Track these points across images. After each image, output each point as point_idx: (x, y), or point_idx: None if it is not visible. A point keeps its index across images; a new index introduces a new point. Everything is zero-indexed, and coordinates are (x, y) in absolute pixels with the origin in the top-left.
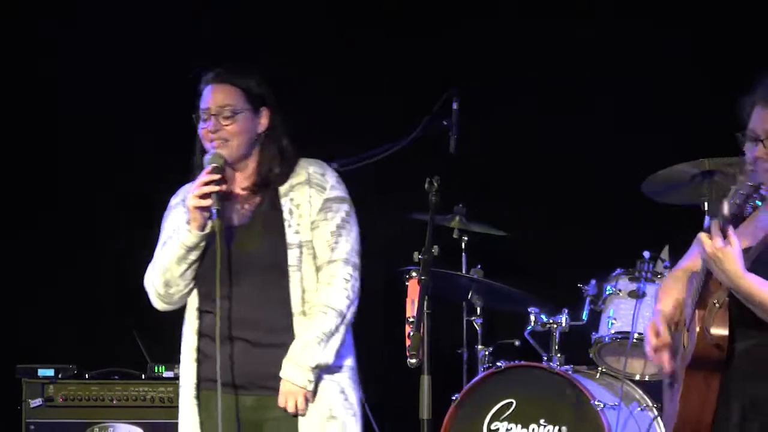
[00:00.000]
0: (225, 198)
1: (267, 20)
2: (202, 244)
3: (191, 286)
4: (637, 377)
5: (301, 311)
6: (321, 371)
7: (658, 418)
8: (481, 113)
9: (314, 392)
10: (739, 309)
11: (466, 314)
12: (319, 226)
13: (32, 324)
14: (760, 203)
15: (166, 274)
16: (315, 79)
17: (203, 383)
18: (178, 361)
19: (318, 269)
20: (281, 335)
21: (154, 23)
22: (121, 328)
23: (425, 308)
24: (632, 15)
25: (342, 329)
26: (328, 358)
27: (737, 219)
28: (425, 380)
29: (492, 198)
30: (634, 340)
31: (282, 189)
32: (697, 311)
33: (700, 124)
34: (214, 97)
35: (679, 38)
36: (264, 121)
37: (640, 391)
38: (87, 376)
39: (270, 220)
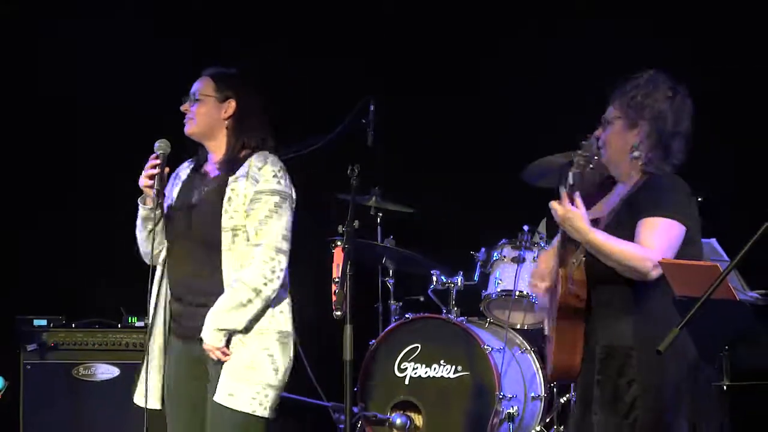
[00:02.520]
0: (199, 174)
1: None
2: (152, 214)
3: (162, 245)
4: (518, 326)
5: (229, 282)
6: (248, 331)
7: (535, 359)
8: (393, 113)
9: (234, 346)
10: (593, 266)
11: (380, 275)
12: (249, 215)
13: (29, 282)
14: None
15: (137, 236)
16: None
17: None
18: (147, 312)
19: None
20: (212, 299)
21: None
22: (102, 286)
23: (348, 271)
24: None
25: (257, 302)
26: (237, 324)
27: (582, 185)
28: (348, 329)
29: (402, 182)
30: (516, 297)
31: (230, 178)
32: (559, 270)
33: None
34: (195, 84)
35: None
36: (229, 110)
37: (521, 338)
38: (74, 325)
39: (212, 204)
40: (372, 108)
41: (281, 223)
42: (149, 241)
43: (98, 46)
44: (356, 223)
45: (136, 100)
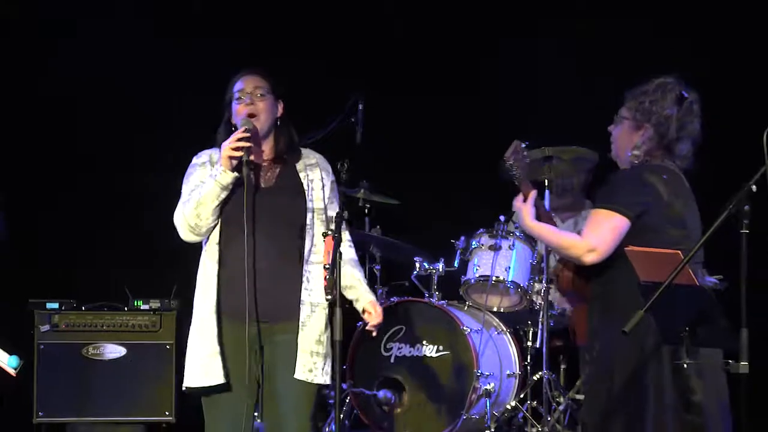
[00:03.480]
0: (252, 164)
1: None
2: (231, 186)
3: (216, 222)
4: (495, 309)
5: (308, 260)
6: (315, 306)
7: (511, 339)
8: (380, 113)
9: (307, 320)
10: None
11: (368, 262)
12: (333, 202)
13: (42, 268)
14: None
15: (199, 208)
16: None
17: (223, 312)
18: (153, 296)
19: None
20: (293, 277)
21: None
22: (110, 273)
23: (338, 258)
24: None
25: None
26: None
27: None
28: (338, 311)
29: (388, 176)
30: (493, 282)
31: (298, 166)
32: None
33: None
34: (250, 81)
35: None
36: (280, 109)
37: (497, 320)
38: (83, 308)
39: (294, 188)
40: (360, 107)
41: None
42: (216, 212)
43: (98, 45)
44: (345, 214)
45: (135, 98)
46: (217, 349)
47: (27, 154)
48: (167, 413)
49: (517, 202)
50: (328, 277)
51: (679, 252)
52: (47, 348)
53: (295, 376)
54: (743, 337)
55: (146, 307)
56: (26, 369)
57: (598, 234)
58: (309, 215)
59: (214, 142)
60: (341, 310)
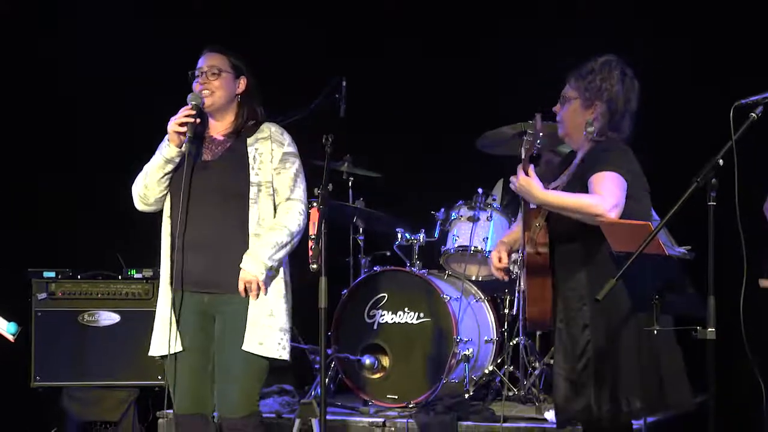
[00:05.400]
0: (201, 138)
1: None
2: (177, 159)
3: (164, 193)
4: (473, 278)
5: (255, 233)
6: (269, 279)
7: (488, 307)
8: (363, 90)
9: (263, 290)
10: (554, 227)
11: (352, 233)
12: (281, 173)
13: (39, 238)
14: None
15: (147, 178)
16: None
17: (171, 283)
18: (146, 266)
19: (277, 204)
20: (236, 247)
21: None
22: (104, 242)
23: (323, 228)
24: None
25: (289, 246)
26: (276, 262)
27: (533, 159)
28: (323, 280)
29: (370, 150)
30: (471, 252)
31: (249, 140)
32: (525, 233)
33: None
34: (206, 60)
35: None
36: (242, 86)
37: (476, 288)
38: (79, 276)
39: (237, 161)
40: (344, 84)
41: (305, 184)
42: (162, 184)
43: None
44: (330, 187)
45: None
46: (167, 319)
47: (26, 147)
48: (159, 377)
49: (521, 176)
50: (313, 247)
51: (649, 224)
52: (44, 315)
53: (243, 347)
54: (711, 304)
55: (139, 275)
56: (24, 335)
57: (614, 192)
58: (253, 188)
59: None
60: (326, 278)
